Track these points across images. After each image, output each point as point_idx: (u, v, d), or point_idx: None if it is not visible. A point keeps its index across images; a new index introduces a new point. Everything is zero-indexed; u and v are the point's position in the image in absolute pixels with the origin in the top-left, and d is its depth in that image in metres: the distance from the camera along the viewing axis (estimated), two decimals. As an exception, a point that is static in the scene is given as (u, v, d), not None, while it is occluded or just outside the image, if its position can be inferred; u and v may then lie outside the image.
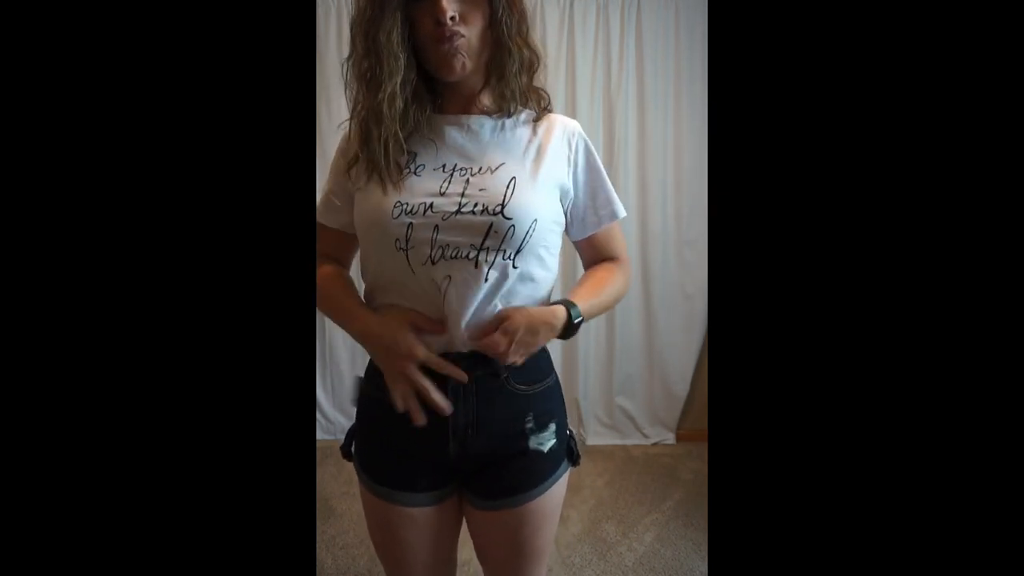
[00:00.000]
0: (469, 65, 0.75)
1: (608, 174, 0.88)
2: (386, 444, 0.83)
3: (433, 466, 0.82)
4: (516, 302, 0.77)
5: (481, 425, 0.78)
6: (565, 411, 0.88)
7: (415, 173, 0.76)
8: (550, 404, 0.84)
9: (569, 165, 0.82)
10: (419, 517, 0.83)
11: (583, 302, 0.80)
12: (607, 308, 0.87)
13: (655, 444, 2.60)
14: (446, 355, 0.76)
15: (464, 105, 0.80)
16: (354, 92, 0.77)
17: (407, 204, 0.73)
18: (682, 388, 2.62)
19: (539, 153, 0.79)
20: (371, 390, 0.84)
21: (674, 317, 2.57)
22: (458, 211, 0.72)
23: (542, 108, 0.83)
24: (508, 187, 0.73)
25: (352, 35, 0.76)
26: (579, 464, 0.89)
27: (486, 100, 0.80)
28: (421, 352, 0.74)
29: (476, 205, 0.72)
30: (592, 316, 0.82)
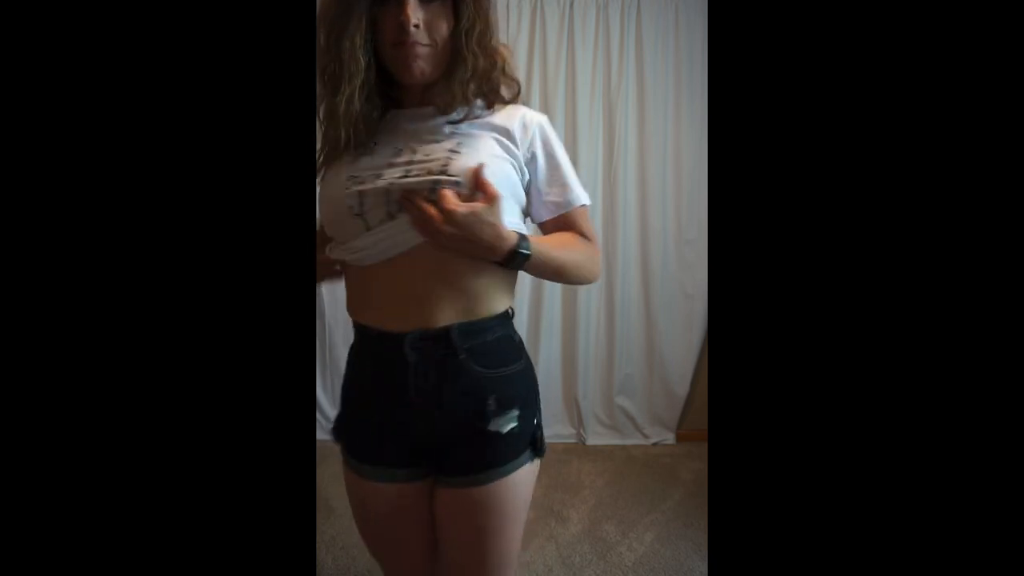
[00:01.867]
0: (428, 71, 0.78)
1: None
2: (363, 422, 0.87)
3: (403, 444, 0.84)
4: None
5: (442, 404, 0.81)
6: (536, 401, 0.88)
7: (367, 153, 0.80)
8: (513, 390, 0.84)
9: (520, 148, 0.82)
10: (393, 493, 0.86)
11: (539, 243, 0.80)
12: (563, 270, 0.84)
13: (655, 444, 2.60)
14: (415, 330, 0.79)
15: (420, 98, 0.83)
16: (318, 90, 0.80)
17: (357, 176, 0.78)
18: (682, 388, 2.62)
19: (489, 130, 0.81)
20: (348, 370, 0.90)
21: (674, 317, 2.57)
22: (404, 176, 0.76)
23: (506, 99, 0.85)
24: (451, 152, 0.77)
25: (317, 28, 0.77)
26: (543, 455, 0.88)
27: (437, 98, 0.81)
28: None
29: (422, 168, 0.76)
30: (542, 266, 0.81)
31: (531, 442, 0.86)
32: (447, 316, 0.79)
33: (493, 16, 0.80)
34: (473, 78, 0.79)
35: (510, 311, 0.87)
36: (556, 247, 0.83)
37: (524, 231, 0.82)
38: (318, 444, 2.43)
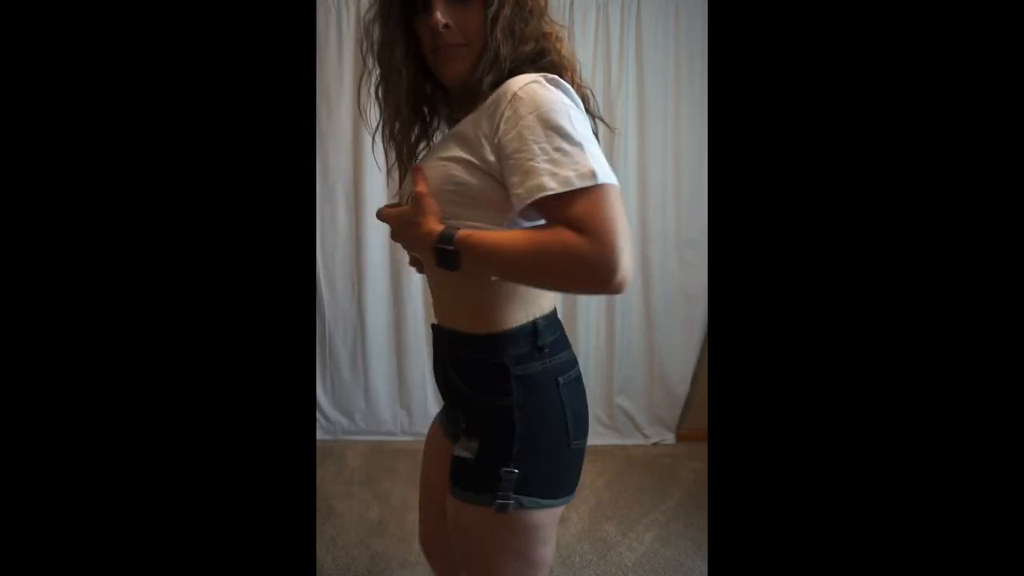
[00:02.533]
0: (464, 69, 0.75)
1: None
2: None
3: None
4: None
5: (446, 390, 0.88)
6: (510, 445, 0.76)
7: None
8: (484, 424, 0.78)
9: (487, 139, 0.69)
10: (434, 429, 0.98)
11: (475, 237, 0.68)
12: (509, 262, 0.66)
13: (655, 444, 2.59)
14: (437, 324, 0.86)
15: (471, 105, 0.75)
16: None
17: (400, 198, 0.84)
18: (682, 388, 2.62)
19: (461, 128, 0.74)
20: None
21: (674, 317, 2.57)
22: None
23: (534, 66, 0.74)
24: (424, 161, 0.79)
25: (364, 54, 0.81)
26: (504, 510, 0.76)
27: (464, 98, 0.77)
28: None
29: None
30: (481, 259, 0.68)
31: (489, 486, 0.76)
32: (451, 320, 0.83)
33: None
34: (492, 68, 0.72)
35: (535, 339, 0.78)
36: (500, 236, 0.68)
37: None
38: (318, 444, 2.45)
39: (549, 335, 0.80)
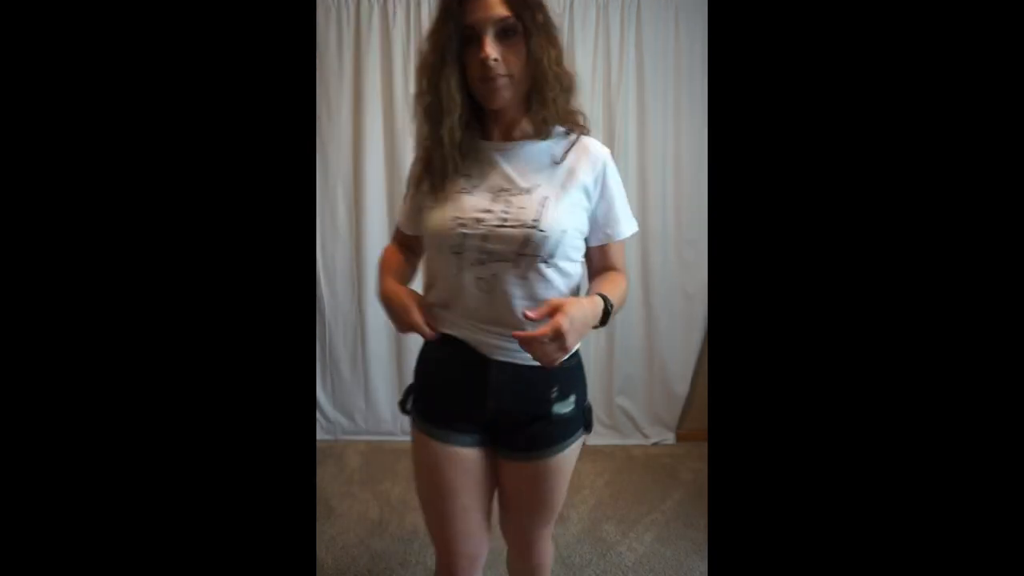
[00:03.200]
0: (508, 97, 0.90)
1: None
2: (441, 397, 1.02)
3: (475, 417, 1.00)
4: (551, 292, 0.93)
5: (516, 390, 0.97)
6: (586, 387, 1.06)
7: (468, 192, 0.93)
8: (572, 379, 1.02)
9: (595, 186, 0.96)
10: (462, 455, 1.01)
11: (610, 295, 0.92)
12: (619, 308, 0.97)
13: (655, 444, 2.59)
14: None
15: (507, 131, 0.97)
16: (419, 124, 0.95)
17: (461, 218, 0.91)
18: (682, 388, 2.62)
19: (568, 176, 0.95)
20: (431, 351, 1.04)
21: (674, 317, 2.57)
22: (501, 225, 0.90)
23: (579, 127, 0.98)
24: (542, 206, 0.91)
25: (417, 76, 0.94)
26: (591, 430, 1.07)
27: (526, 126, 0.96)
28: (414, 315, 0.99)
29: (516, 220, 0.90)
30: (615, 310, 0.93)
31: (584, 421, 1.05)
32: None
33: (557, 39, 0.92)
34: (561, 94, 0.92)
35: None
36: (613, 289, 0.95)
37: (581, 251, 0.99)
38: (318, 444, 2.45)
39: None
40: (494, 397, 0.98)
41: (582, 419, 1.05)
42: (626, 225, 1.01)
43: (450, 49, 0.88)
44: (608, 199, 0.98)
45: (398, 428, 2.58)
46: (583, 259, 1.01)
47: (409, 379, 1.09)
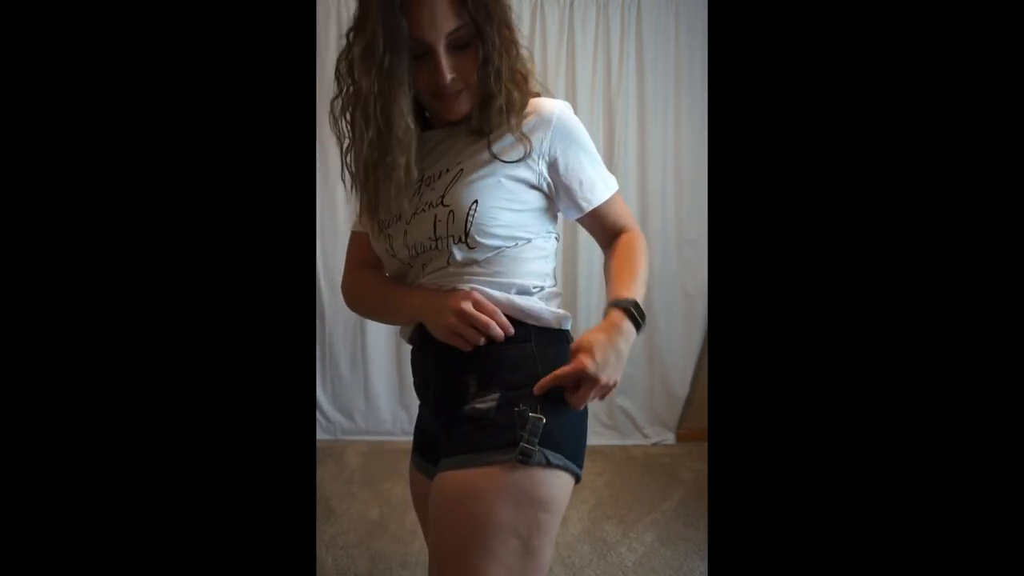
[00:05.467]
0: (466, 108, 0.80)
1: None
2: (420, 415, 0.93)
3: (432, 434, 0.86)
4: (507, 275, 0.80)
5: (436, 386, 0.83)
6: (529, 386, 0.75)
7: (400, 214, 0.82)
8: (496, 369, 0.77)
9: (549, 146, 0.81)
10: (420, 484, 0.90)
11: (635, 294, 0.81)
12: (646, 281, 0.85)
13: (655, 444, 2.59)
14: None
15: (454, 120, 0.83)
16: (351, 130, 0.83)
17: (384, 220, 0.84)
18: (682, 388, 2.62)
19: (499, 146, 0.80)
20: (412, 357, 0.91)
21: (674, 317, 2.57)
22: (415, 212, 0.81)
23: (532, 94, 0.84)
24: (450, 180, 0.79)
25: (353, 101, 0.82)
26: (525, 459, 0.71)
27: (473, 121, 0.82)
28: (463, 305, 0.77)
29: (426, 202, 0.80)
30: (642, 297, 0.82)
31: (510, 438, 0.72)
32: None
33: (513, 33, 0.81)
34: (509, 110, 0.80)
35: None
36: (633, 273, 0.83)
37: (555, 233, 0.87)
38: (318, 444, 2.45)
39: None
40: (432, 389, 0.84)
41: (514, 428, 0.72)
42: (602, 186, 0.85)
43: (398, 72, 0.74)
44: (574, 164, 0.82)
45: (398, 428, 2.58)
46: (543, 241, 0.84)
47: (409, 378, 0.98)
